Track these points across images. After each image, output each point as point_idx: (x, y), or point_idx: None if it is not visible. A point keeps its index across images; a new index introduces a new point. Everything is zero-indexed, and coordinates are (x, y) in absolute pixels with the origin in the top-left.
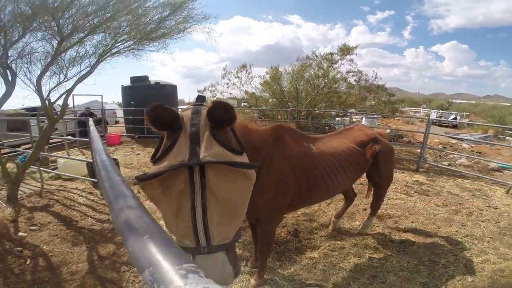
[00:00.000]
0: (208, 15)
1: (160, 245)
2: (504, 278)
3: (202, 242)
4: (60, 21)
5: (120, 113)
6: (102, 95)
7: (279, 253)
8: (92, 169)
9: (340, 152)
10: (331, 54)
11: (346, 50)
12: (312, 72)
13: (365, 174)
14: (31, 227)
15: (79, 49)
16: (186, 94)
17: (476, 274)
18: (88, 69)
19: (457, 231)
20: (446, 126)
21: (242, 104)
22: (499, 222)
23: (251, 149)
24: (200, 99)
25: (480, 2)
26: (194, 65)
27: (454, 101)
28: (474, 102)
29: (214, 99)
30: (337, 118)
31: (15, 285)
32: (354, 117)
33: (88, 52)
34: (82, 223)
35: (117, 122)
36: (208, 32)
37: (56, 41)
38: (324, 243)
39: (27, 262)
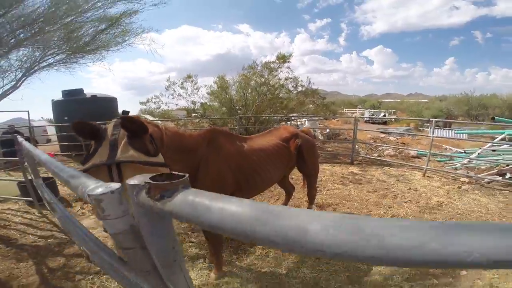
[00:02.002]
0: (149, 28)
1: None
2: None
3: None
4: None
5: (51, 130)
6: (28, 111)
7: (234, 247)
8: (25, 188)
9: (269, 148)
10: (269, 62)
11: (282, 58)
12: (257, 80)
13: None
14: None
15: (2, 63)
16: (129, 107)
17: None
18: (13, 83)
19: (384, 213)
20: (378, 123)
21: (193, 114)
22: (419, 202)
23: (187, 151)
24: (124, 113)
25: (399, 8)
26: (137, 76)
27: (384, 100)
28: (399, 100)
29: (159, 111)
30: (282, 123)
31: None
32: (298, 120)
33: (12, 65)
34: (23, 240)
35: (49, 141)
36: (149, 45)
37: None
38: None
39: None
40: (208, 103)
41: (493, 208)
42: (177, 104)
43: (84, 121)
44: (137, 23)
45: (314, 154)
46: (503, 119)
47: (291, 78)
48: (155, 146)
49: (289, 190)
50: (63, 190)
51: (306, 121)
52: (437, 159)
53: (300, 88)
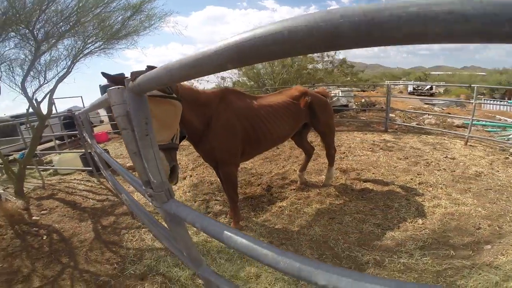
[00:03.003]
0: (170, 11)
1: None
2: (454, 221)
3: None
4: (34, 30)
5: (102, 112)
6: (81, 96)
7: (253, 205)
8: (85, 160)
9: (277, 104)
10: None
11: None
12: None
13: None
14: (42, 212)
15: (53, 53)
16: None
17: (427, 217)
18: (65, 70)
19: (412, 179)
20: (424, 95)
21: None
22: (454, 171)
23: (201, 104)
24: (149, 67)
25: None
26: (171, 59)
27: (432, 73)
28: (451, 73)
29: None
30: None
31: (36, 255)
32: (332, 92)
33: (62, 54)
34: (85, 204)
35: (101, 122)
36: (173, 27)
37: (33, 48)
38: (292, 194)
39: (44, 238)
40: (237, 79)
41: None
42: (208, 81)
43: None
44: (158, 8)
45: (327, 112)
46: None
47: None
48: (170, 91)
49: (308, 150)
50: None
51: (340, 92)
52: (487, 129)
53: (326, 58)
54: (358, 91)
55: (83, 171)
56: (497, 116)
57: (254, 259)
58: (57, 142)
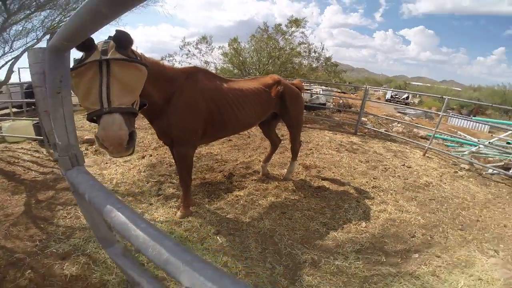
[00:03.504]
0: None
1: None
2: (393, 227)
3: (105, 105)
4: (7, 1)
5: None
6: None
7: (210, 192)
8: (38, 129)
9: (247, 89)
10: (280, 25)
11: (295, 22)
12: (267, 43)
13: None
14: None
15: (26, 24)
16: None
17: (371, 221)
18: (35, 41)
19: (367, 182)
20: (400, 104)
21: None
22: (407, 179)
23: (167, 79)
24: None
25: None
26: (160, 40)
27: (413, 83)
28: (429, 85)
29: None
30: None
31: None
32: (313, 89)
33: (34, 26)
34: (25, 176)
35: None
36: (161, 6)
37: (2, 18)
38: (251, 184)
39: None
40: (222, 65)
41: (480, 197)
42: (190, 63)
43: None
44: None
45: (297, 104)
46: None
47: (304, 43)
48: (134, 56)
49: (274, 141)
50: None
51: (321, 91)
52: (446, 143)
53: (313, 54)
54: (339, 92)
55: (34, 140)
56: (458, 131)
57: (126, 239)
58: (14, 110)
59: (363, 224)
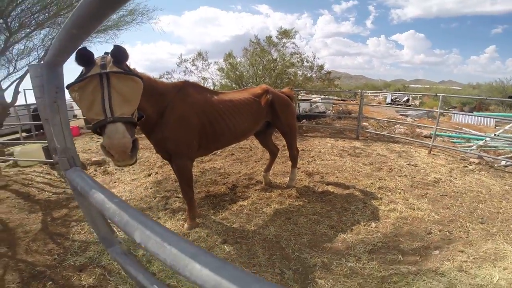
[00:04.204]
0: (154, 7)
1: None
2: (406, 225)
3: (108, 114)
4: (8, 19)
5: (76, 107)
6: None
7: (214, 203)
8: (48, 151)
9: (238, 100)
10: (270, 37)
11: (284, 33)
12: (260, 55)
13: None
14: None
15: (27, 43)
16: None
17: (381, 221)
18: (37, 60)
19: (372, 183)
20: (400, 106)
21: None
22: (414, 177)
23: (159, 93)
24: (106, 53)
25: None
26: (158, 58)
27: (411, 85)
28: (428, 86)
29: None
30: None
31: None
32: (313, 98)
33: (36, 45)
34: (40, 196)
35: (75, 116)
36: (155, 23)
37: (5, 36)
38: (255, 194)
39: None
40: (219, 80)
41: (496, 189)
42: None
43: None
44: (141, 3)
45: (288, 111)
46: None
47: (296, 53)
48: (129, 70)
49: (272, 150)
50: (81, 156)
51: (320, 99)
52: (453, 140)
53: (305, 63)
54: (338, 99)
55: (45, 164)
56: (463, 128)
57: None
58: (24, 134)
59: (373, 224)
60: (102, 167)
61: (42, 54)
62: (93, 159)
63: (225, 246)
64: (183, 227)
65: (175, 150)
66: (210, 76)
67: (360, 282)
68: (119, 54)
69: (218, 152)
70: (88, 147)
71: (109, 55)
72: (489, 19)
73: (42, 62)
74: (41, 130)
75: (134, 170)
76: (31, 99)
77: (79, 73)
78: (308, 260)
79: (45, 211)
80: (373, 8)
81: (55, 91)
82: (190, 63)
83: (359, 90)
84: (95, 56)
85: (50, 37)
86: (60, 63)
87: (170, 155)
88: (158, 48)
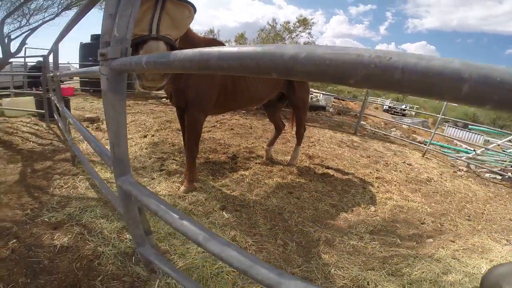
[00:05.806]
0: None
1: None
2: (402, 213)
3: (153, 31)
4: None
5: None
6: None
7: (214, 170)
8: (41, 103)
9: None
10: (288, 22)
11: (303, 22)
12: (277, 41)
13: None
14: None
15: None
16: None
17: (379, 206)
18: (53, 16)
19: (370, 173)
20: (397, 114)
21: None
22: (408, 174)
23: (191, 42)
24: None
25: (460, 7)
26: None
27: (410, 96)
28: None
29: None
30: None
31: None
32: (315, 93)
33: (54, 1)
34: (23, 146)
35: (71, 78)
36: None
37: None
38: (256, 166)
39: None
40: None
41: (481, 194)
42: None
43: None
44: None
45: (304, 87)
46: None
47: (310, 43)
48: None
49: (278, 125)
50: (74, 113)
51: (321, 95)
52: (443, 150)
53: None
54: (338, 98)
55: (34, 116)
56: (454, 141)
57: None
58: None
59: (372, 208)
60: (95, 124)
61: (60, 11)
62: (86, 116)
63: (223, 213)
64: (179, 189)
65: (193, 100)
66: None
67: (363, 260)
68: None
69: (218, 125)
70: (82, 106)
71: None
72: (507, 39)
73: None
74: (33, 88)
75: (129, 130)
76: (29, 60)
77: None
78: (312, 234)
79: (26, 162)
80: (390, 14)
81: None
82: None
83: (364, 91)
84: None
85: None
86: None
87: (185, 106)
88: None
